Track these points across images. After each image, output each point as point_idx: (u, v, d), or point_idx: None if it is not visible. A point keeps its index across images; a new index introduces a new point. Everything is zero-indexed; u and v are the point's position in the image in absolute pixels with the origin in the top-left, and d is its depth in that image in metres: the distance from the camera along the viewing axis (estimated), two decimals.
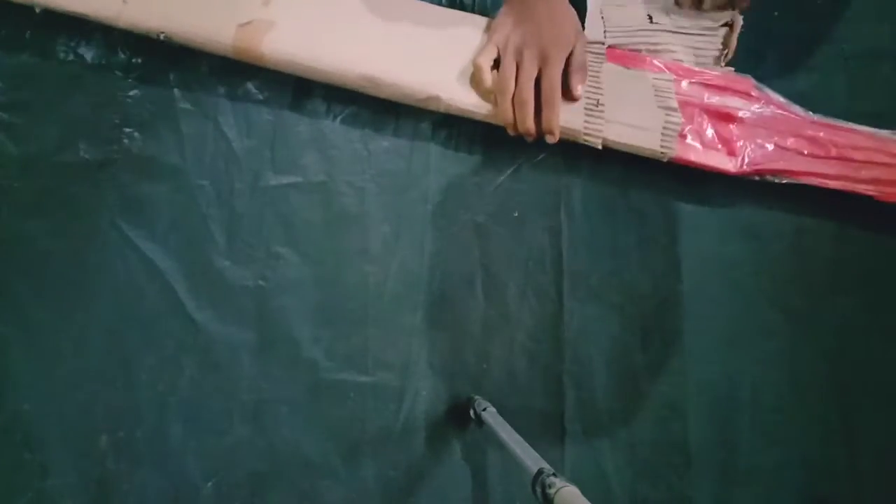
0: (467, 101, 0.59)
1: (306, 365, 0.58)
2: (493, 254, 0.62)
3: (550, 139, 0.59)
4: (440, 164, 0.62)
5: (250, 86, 0.60)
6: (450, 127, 0.62)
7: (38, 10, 0.55)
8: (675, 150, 0.60)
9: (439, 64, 0.59)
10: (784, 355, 0.65)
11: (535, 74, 0.58)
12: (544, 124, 0.58)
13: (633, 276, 0.64)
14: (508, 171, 0.63)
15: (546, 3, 0.58)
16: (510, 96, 0.58)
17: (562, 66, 0.58)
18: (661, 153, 0.60)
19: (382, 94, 0.59)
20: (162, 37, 0.55)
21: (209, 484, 0.56)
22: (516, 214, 0.63)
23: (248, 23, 0.56)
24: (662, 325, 0.64)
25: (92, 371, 0.55)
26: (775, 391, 0.65)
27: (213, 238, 0.58)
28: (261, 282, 0.58)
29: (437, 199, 0.62)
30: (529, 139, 0.59)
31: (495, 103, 0.59)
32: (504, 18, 0.60)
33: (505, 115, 0.59)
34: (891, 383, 0.66)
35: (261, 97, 0.60)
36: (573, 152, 0.62)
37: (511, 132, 0.60)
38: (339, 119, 0.61)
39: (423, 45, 0.59)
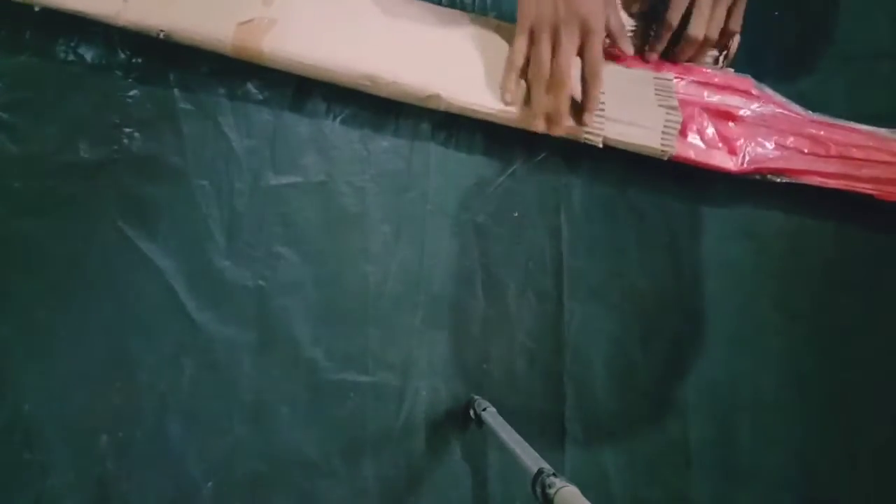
0: (467, 99, 0.59)
1: (306, 365, 0.58)
2: (493, 254, 0.62)
3: (578, 121, 0.57)
4: (440, 164, 0.62)
5: (250, 86, 0.60)
6: (450, 127, 0.62)
7: (37, 9, 0.55)
8: (676, 149, 0.60)
9: (440, 63, 0.59)
10: (784, 355, 0.65)
11: (574, 52, 0.55)
12: (589, 100, 0.57)
13: (633, 276, 0.64)
14: (508, 171, 0.63)
15: None
16: (545, 84, 0.56)
17: (604, 34, 0.55)
18: (662, 151, 0.60)
19: (383, 93, 0.59)
20: (161, 35, 0.55)
21: (209, 484, 0.56)
22: (516, 214, 0.63)
23: (248, 21, 0.56)
24: (662, 325, 0.64)
25: (92, 371, 0.55)
26: (775, 391, 0.65)
27: (213, 238, 0.58)
28: (261, 282, 0.58)
29: (437, 199, 0.62)
30: (556, 128, 0.58)
31: (523, 105, 0.58)
32: None
33: (538, 106, 0.57)
34: (891, 383, 0.66)
35: (261, 97, 0.60)
36: (573, 152, 0.62)
37: (542, 125, 0.58)
38: (339, 119, 0.61)
39: (424, 43, 0.59)
